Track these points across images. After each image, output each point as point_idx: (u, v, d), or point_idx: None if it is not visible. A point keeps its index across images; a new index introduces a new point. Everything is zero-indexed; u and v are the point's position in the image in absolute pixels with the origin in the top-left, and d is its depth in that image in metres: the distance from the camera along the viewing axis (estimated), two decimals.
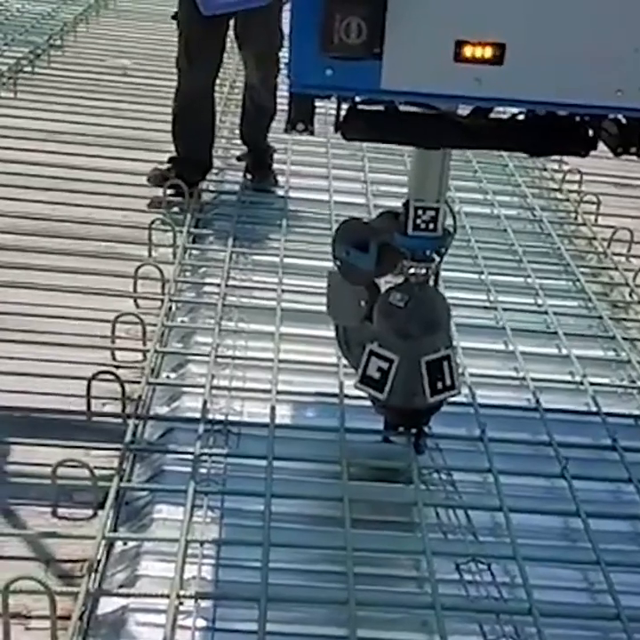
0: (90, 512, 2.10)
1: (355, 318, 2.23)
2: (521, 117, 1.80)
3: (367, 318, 2.19)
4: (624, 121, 1.73)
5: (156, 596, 1.84)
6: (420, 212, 2.03)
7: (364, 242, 2.14)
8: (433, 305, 2.16)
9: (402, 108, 1.78)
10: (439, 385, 2.13)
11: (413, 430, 2.25)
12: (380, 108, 1.77)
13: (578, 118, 1.76)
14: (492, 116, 1.82)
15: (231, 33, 3.62)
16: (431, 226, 2.04)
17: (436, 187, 2.04)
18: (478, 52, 1.54)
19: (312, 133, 1.82)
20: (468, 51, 1.54)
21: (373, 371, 2.12)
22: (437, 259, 2.12)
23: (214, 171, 3.88)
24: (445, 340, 2.17)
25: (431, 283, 2.16)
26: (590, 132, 1.77)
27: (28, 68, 4.89)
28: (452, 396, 2.19)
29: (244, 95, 3.84)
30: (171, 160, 3.73)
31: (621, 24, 1.56)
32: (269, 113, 3.66)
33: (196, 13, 3.39)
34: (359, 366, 2.15)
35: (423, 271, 2.11)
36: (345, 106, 1.77)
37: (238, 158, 4.03)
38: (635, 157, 1.81)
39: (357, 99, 1.74)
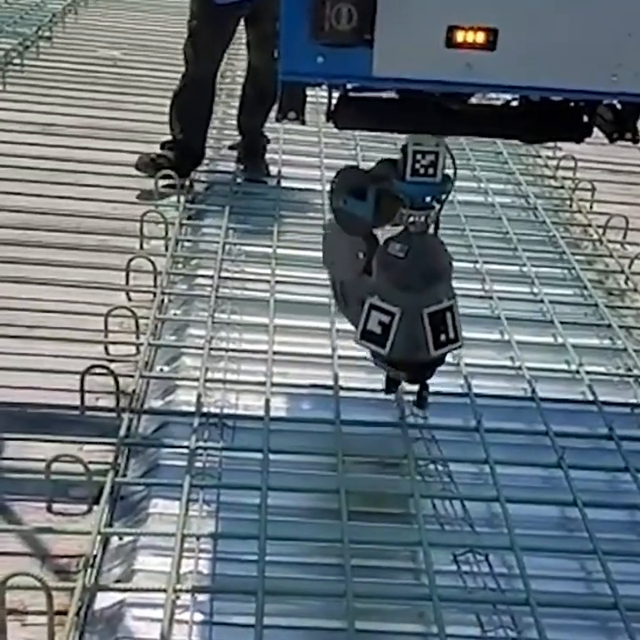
0: (85, 507, 2.09)
1: (353, 271, 2.16)
2: (515, 104, 1.78)
3: (365, 271, 2.13)
4: (619, 106, 1.72)
5: (153, 590, 1.83)
6: (418, 156, 1.95)
7: (362, 189, 2.07)
8: (434, 254, 2.09)
9: (394, 95, 1.76)
10: (442, 337, 2.06)
11: (416, 386, 2.19)
12: (372, 95, 1.75)
13: (572, 104, 1.74)
14: (486, 102, 1.80)
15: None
16: (430, 171, 1.96)
17: None
18: (470, 37, 1.52)
19: (303, 122, 1.80)
20: (459, 36, 1.52)
21: (374, 325, 2.05)
22: (437, 206, 2.05)
23: (206, 161, 3.86)
24: (448, 290, 2.09)
25: (431, 231, 2.08)
26: (585, 118, 1.76)
27: (17, 60, 4.85)
28: (456, 348, 2.13)
29: (244, 81, 3.84)
30: (164, 144, 3.72)
31: (615, 9, 1.54)
32: (271, 97, 3.64)
33: (207, 5, 3.43)
34: (358, 321, 2.09)
35: (423, 219, 2.03)
36: (336, 94, 1.75)
37: (230, 147, 4.01)
38: (629, 143, 1.80)
39: (349, 86, 1.72)
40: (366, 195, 2.06)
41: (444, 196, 2.04)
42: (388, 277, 2.06)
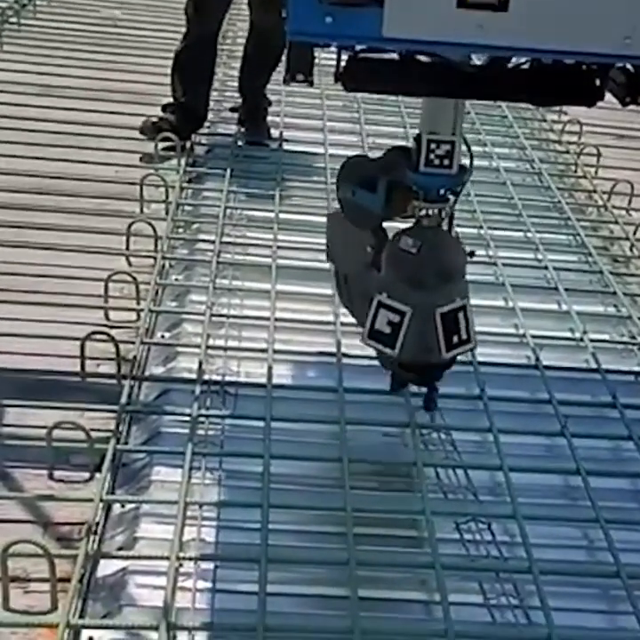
0: (87, 475, 2.08)
1: (359, 265, 2.07)
2: (526, 66, 1.74)
3: (373, 265, 2.03)
4: (632, 70, 1.68)
5: (156, 557, 1.83)
6: (433, 146, 1.85)
7: (372, 180, 1.97)
8: (448, 250, 1.97)
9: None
10: (455, 339, 1.97)
11: (425, 388, 2.12)
12: (382, 56, 1.70)
13: (585, 67, 1.71)
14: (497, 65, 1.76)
15: None
16: (445, 162, 1.86)
17: (451, 118, 1.86)
18: None
19: (312, 84, 1.75)
20: None
21: (383, 324, 1.96)
22: (452, 199, 1.95)
23: (206, 123, 3.81)
24: (461, 289, 1.97)
25: (445, 226, 1.98)
26: (597, 82, 1.72)
27: (14, 20, 4.76)
28: (469, 350, 2.05)
29: (246, 42, 3.78)
30: (165, 106, 3.67)
31: None
32: (274, 58, 3.60)
33: None
34: (365, 319, 2.00)
35: (436, 212, 1.93)
36: (345, 55, 1.71)
37: (232, 109, 3.97)
38: (635, 108, 1.76)
39: (358, 48, 1.69)
40: (377, 186, 1.97)
41: (459, 189, 1.95)
42: (398, 274, 1.95)
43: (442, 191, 1.93)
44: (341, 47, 1.68)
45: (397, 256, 1.95)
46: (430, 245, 1.94)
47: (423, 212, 1.95)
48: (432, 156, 1.87)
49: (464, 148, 1.91)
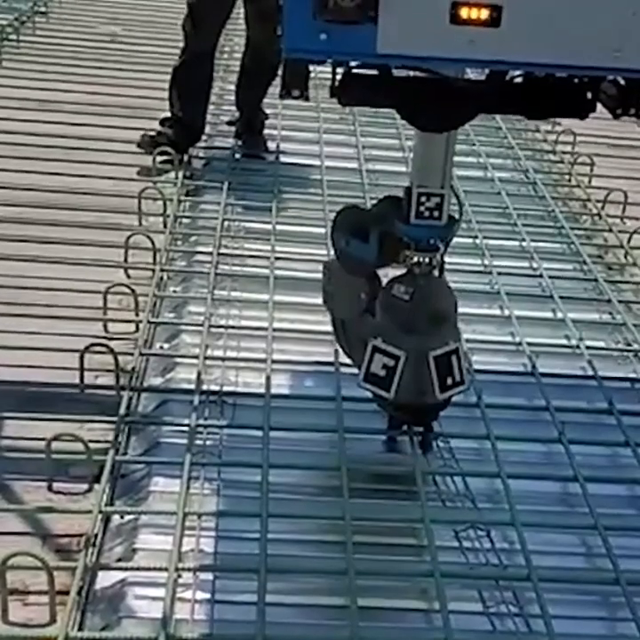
0: (85, 486, 2.09)
1: (355, 311, 2.15)
2: (519, 80, 1.76)
3: (367, 311, 2.11)
4: (623, 82, 1.70)
5: (155, 569, 1.83)
6: (423, 198, 1.93)
7: (364, 231, 2.05)
8: (439, 296, 2.06)
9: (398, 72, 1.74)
10: (448, 380, 2.04)
11: (420, 429, 2.17)
12: (376, 72, 1.72)
13: (576, 80, 1.72)
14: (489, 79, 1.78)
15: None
16: (435, 213, 1.94)
17: (440, 171, 1.93)
18: (474, 13, 1.50)
19: (307, 99, 1.78)
20: (464, 12, 1.50)
21: (378, 368, 2.03)
22: (442, 248, 2.01)
23: (204, 137, 3.83)
24: (453, 332, 2.06)
25: (436, 273, 2.05)
26: (588, 94, 1.74)
27: (13, 36, 4.80)
28: (462, 391, 2.11)
29: (243, 56, 3.81)
30: (163, 121, 3.69)
31: None
32: (270, 72, 3.62)
33: None
34: (361, 363, 2.07)
35: (427, 261, 2.00)
36: (340, 70, 1.73)
37: (229, 122, 3.99)
38: (628, 118, 1.78)
39: (352, 63, 1.70)
40: (369, 236, 2.04)
41: (449, 238, 2.01)
42: (392, 319, 2.03)
43: (432, 241, 1.99)
44: (336, 63, 1.70)
45: (391, 303, 2.03)
46: (422, 292, 2.02)
47: (414, 260, 2.01)
48: (422, 208, 1.94)
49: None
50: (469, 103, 1.80)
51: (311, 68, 1.76)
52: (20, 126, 3.75)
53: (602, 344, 2.77)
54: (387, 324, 2.04)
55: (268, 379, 2.36)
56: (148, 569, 1.84)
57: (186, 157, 3.63)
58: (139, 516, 1.99)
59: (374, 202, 2.18)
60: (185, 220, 3.28)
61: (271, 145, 3.85)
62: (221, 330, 2.62)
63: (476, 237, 3.20)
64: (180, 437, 2.16)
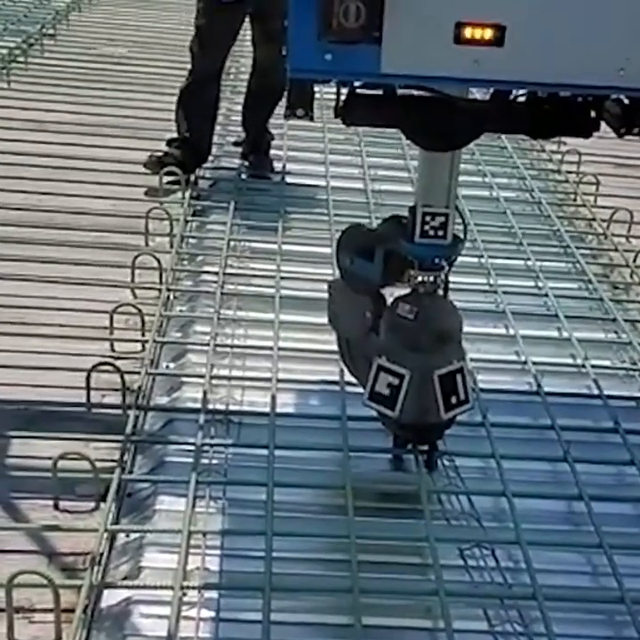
0: (92, 504, 2.10)
1: (359, 330, 2.16)
2: (523, 99, 1.78)
3: (372, 330, 2.11)
4: (627, 101, 1.71)
5: (160, 587, 1.83)
6: (427, 218, 1.94)
7: (369, 250, 2.07)
8: (444, 315, 2.06)
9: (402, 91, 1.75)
10: (453, 399, 2.04)
11: (425, 447, 2.17)
12: (380, 92, 1.74)
13: (580, 99, 1.74)
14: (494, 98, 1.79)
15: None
16: (440, 233, 1.95)
17: (445, 190, 1.95)
18: (478, 33, 1.52)
19: (312, 119, 1.80)
20: (467, 32, 1.52)
21: (383, 387, 2.03)
22: (447, 267, 2.03)
23: (210, 158, 3.86)
24: (458, 351, 2.06)
25: (440, 291, 2.06)
26: (593, 113, 1.75)
27: (22, 58, 4.86)
28: (466, 411, 2.11)
29: (250, 77, 3.85)
30: (170, 141, 3.72)
31: (622, 5, 1.54)
32: (276, 93, 3.66)
33: (214, 2, 3.49)
34: (366, 381, 2.08)
35: (432, 280, 2.02)
36: (344, 90, 1.75)
37: (235, 143, 4.02)
38: (633, 137, 1.79)
39: (357, 83, 1.72)
40: (374, 255, 2.06)
41: (453, 257, 2.02)
42: (397, 338, 2.03)
43: (437, 260, 2.00)
44: (341, 83, 1.72)
45: (396, 322, 2.04)
46: (426, 311, 2.02)
47: (419, 280, 2.03)
48: (427, 227, 1.95)
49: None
50: (474, 123, 1.81)
51: (316, 88, 1.78)
52: (28, 147, 3.78)
53: (607, 363, 2.77)
54: (392, 343, 2.05)
55: (273, 398, 2.37)
56: (154, 587, 1.85)
57: (192, 178, 3.65)
58: (144, 534, 2.00)
59: (380, 222, 2.19)
60: (191, 240, 3.30)
61: (277, 165, 3.87)
62: (227, 349, 2.63)
63: (481, 256, 3.21)
64: (185, 456, 2.17)
